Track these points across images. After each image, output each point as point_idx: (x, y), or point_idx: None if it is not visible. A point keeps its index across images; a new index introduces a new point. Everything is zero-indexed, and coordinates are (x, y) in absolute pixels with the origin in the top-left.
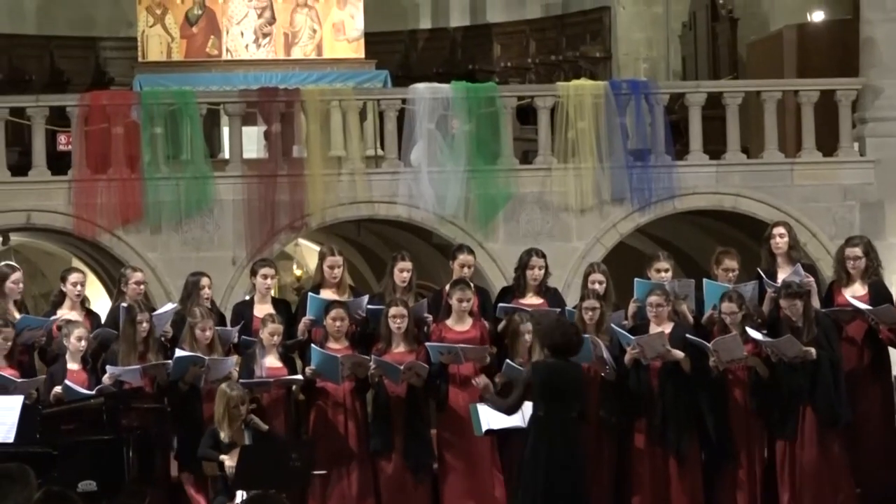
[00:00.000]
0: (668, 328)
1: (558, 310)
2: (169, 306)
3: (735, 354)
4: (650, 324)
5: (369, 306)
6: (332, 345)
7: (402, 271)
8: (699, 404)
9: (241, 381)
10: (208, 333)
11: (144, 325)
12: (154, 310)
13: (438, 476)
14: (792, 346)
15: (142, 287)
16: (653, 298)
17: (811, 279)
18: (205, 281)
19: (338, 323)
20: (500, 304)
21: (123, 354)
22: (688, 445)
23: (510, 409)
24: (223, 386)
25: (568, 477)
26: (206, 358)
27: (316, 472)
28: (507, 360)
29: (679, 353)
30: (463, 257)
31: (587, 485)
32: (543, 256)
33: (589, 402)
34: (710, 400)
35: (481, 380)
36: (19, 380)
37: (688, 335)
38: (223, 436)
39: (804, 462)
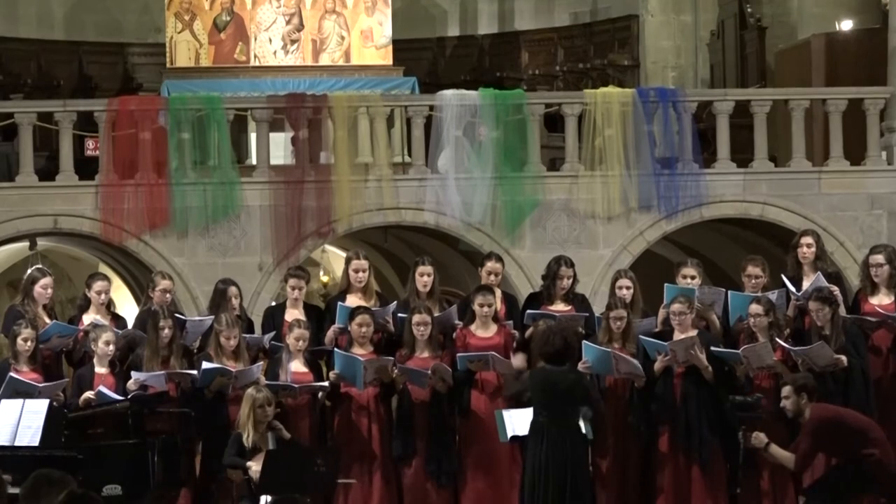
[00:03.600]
0: (691, 335)
1: (586, 315)
2: (206, 318)
3: (765, 361)
4: (673, 331)
5: (400, 315)
6: (356, 350)
7: (423, 276)
8: (722, 413)
9: (266, 382)
10: (233, 342)
11: (167, 330)
12: (180, 315)
13: (460, 481)
14: (824, 353)
15: (168, 295)
16: (675, 307)
17: (836, 290)
18: (233, 290)
19: (363, 329)
20: (528, 311)
21: (147, 359)
22: (711, 453)
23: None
24: (250, 389)
25: (570, 481)
26: (233, 370)
27: (344, 481)
28: (531, 371)
29: (703, 360)
30: (490, 264)
31: (590, 489)
32: (572, 265)
33: (616, 410)
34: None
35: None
36: (42, 384)
37: (713, 348)
38: (246, 440)
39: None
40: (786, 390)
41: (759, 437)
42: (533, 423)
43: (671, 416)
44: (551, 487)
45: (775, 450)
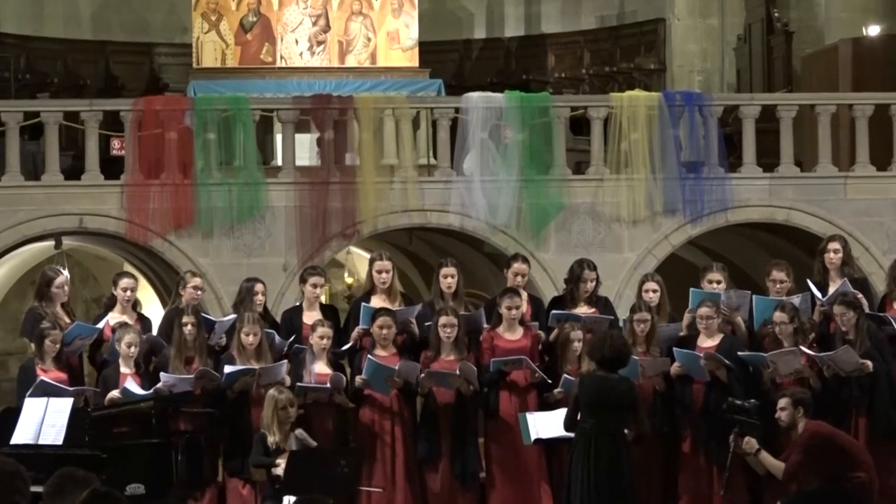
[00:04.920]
0: (717, 340)
1: (611, 317)
2: (230, 317)
3: (794, 367)
4: (699, 335)
5: (426, 324)
6: (378, 352)
7: (446, 277)
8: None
9: (298, 384)
10: (252, 339)
11: (189, 327)
12: (208, 316)
13: (486, 485)
14: (850, 358)
15: (199, 293)
16: (702, 310)
17: (860, 295)
18: (259, 287)
19: (384, 331)
20: (553, 312)
21: (172, 357)
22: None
23: (565, 428)
24: (271, 390)
25: (614, 490)
26: (257, 368)
27: (370, 489)
28: (565, 375)
29: (722, 375)
30: (517, 266)
31: (634, 498)
32: (595, 268)
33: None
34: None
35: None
36: (71, 388)
37: (740, 353)
38: (270, 441)
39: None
40: (783, 402)
41: (751, 443)
42: (579, 430)
43: (693, 420)
44: (597, 495)
45: (765, 457)
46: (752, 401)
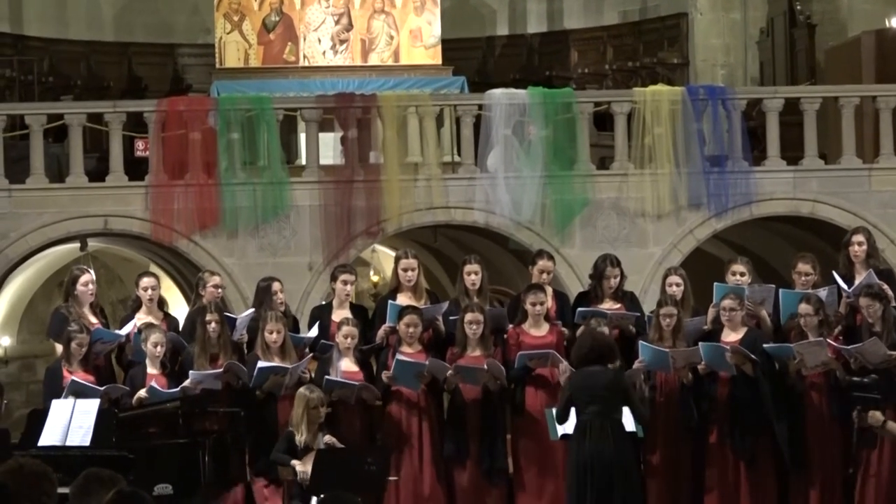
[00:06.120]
0: (741, 333)
1: (637, 314)
2: (249, 311)
3: (821, 359)
4: (723, 329)
5: (452, 317)
6: (405, 349)
7: (470, 274)
8: (769, 411)
9: (327, 377)
10: (275, 336)
11: (213, 325)
12: (229, 315)
13: (513, 481)
14: (877, 350)
15: (220, 291)
16: (726, 303)
17: (885, 287)
18: (276, 286)
19: (410, 329)
20: (579, 309)
21: (196, 355)
22: (758, 450)
23: (559, 418)
24: (302, 389)
25: (618, 477)
26: (289, 367)
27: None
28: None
29: (748, 369)
30: (543, 263)
31: (640, 484)
32: (619, 264)
33: (668, 406)
34: (781, 407)
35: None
36: (101, 388)
37: (766, 346)
38: (299, 440)
39: (885, 469)
40: None
41: (875, 416)
42: (577, 424)
43: (719, 414)
44: (597, 485)
45: (892, 426)
46: (872, 375)
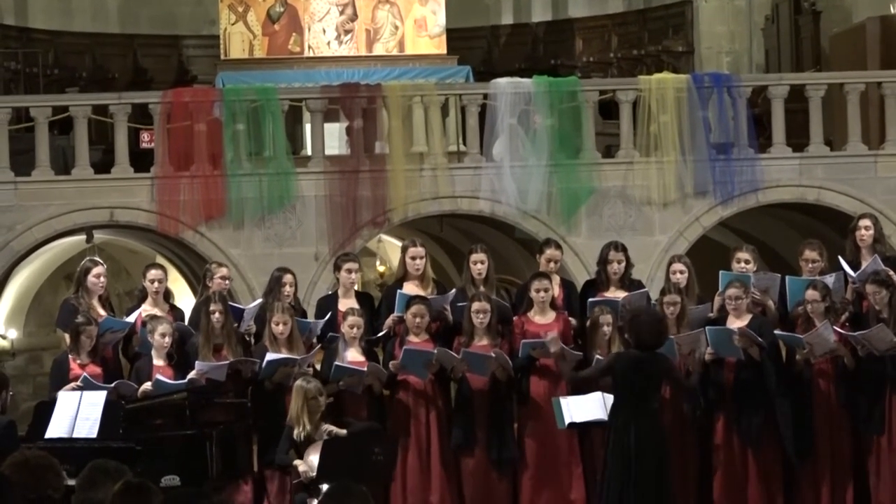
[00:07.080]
0: (746, 321)
1: (647, 295)
2: (256, 302)
3: (829, 346)
4: (728, 317)
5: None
6: (412, 339)
7: (476, 263)
8: (774, 399)
9: (336, 363)
10: (281, 328)
11: (217, 315)
12: (236, 305)
13: (518, 469)
14: (884, 336)
15: (227, 282)
16: (731, 291)
17: (893, 273)
18: (288, 277)
19: (417, 319)
20: (590, 300)
21: (200, 346)
22: (764, 437)
23: (584, 381)
24: (299, 381)
25: (652, 465)
26: (298, 358)
27: None
28: (597, 356)
29: (755, 353)
30: (550, 252)
31: (671, 472)
32: (624, 250)
33: (675, 395)
34: (786, 394)
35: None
36: (109, 385)
37: (777, 332)
38: (297, 433)
39: (891, 455)
40: None
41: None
42: (614, 409)
43: (726, 400)
44: (643, 471)
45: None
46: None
